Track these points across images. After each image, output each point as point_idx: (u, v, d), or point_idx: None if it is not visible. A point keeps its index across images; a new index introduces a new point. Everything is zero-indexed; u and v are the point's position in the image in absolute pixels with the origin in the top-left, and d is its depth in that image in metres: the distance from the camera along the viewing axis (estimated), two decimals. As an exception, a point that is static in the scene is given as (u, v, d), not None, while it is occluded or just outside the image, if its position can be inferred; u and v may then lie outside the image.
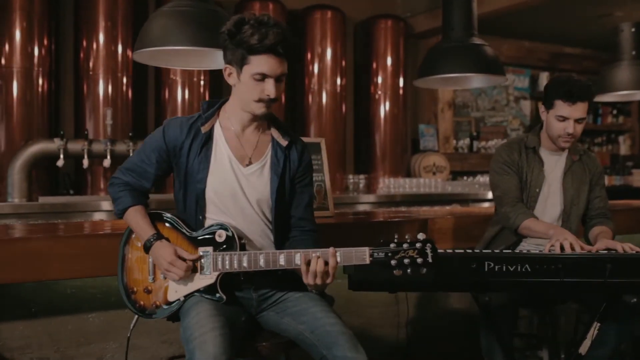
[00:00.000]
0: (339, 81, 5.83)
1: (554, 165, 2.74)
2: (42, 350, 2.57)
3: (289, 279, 2.13)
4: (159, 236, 2.04)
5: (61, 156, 4.38)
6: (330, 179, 5.62)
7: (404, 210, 4.39)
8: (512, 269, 2.18)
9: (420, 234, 1.85)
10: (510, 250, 2.46)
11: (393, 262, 1.83)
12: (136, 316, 2.14)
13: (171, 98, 5.17)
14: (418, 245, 1.83)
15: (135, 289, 2.11)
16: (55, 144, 4.41)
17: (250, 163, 2.08)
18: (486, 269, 2.19)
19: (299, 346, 2.04)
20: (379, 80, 6.12)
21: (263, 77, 1.96)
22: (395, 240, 1.85)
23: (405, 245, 1.84)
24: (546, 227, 2.53)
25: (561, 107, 2.58)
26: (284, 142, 2.12)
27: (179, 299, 2.04)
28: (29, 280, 2.34)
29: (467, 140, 6.92)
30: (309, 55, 5.78)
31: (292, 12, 5.82)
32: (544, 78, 7.36)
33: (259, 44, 1.91)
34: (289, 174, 2.12)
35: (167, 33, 2.78)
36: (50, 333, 2.58)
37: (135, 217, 2.09)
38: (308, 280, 1.91)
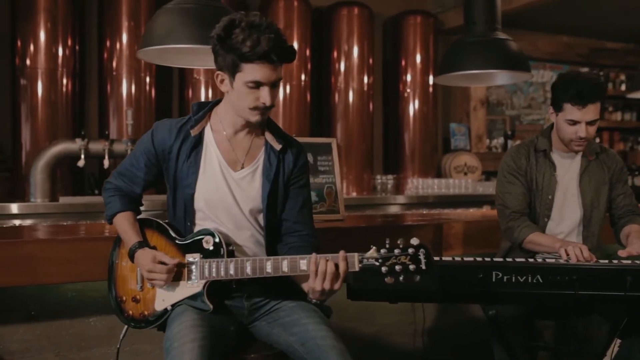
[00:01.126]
0: (366, 79, 5.69)
1: (567, 168, 2.56)
2: (42, 354, 2.54)
3: (284, 288, 2.03)
4: (141, 244, 1.96)
5: (82, 156, 4.37)
6: (343, 180, 5.57)
7: (423, 212, 4.23)
8: (522, 280, 2.03)
9: (414, 239, 1.73)
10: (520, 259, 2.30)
11: (384, 269, 1.72)
12: (126, 326, 2.08)
13: (194, 98, 5.13)
14: (410, 250, 1.71)
15: (124, 298, 2.05)
16: (77, 144, 4.41)
17: (242, 167, 1.99)
18: (494, 280, 2.04)
19: (290, 358, 1.93)
20: (408, 78, 5.96)
21: (257, 85, 1.85)
22: (387, 246, 1.73)
23: (396, 251, 1.72)
24: (552, 240, 2.37)
25: (571, 111, 2.41)
26: (277, 146, 2.01)
27: (166, 308, 1.96)
28: (27, 284, 2.30)
29: (501, 140, 6.69)
30: (335, 54, 5.67)
31: (318, 9, 5.71)
32: (583, 74, 7.05)
33: (251, 51, 1.79)
34: (283, 178, 2.02)
35: (171, 31, 2.71)
36: (50, 337, 2.55)
37: (123, 224, 2.03)
38: (316, 284, 1.78)
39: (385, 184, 5.78)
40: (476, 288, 2.05)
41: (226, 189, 1.97)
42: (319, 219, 2.93)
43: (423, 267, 1.70)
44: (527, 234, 2.46)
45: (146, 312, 2.00)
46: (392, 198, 5.53)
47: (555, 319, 2.47)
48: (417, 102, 5.97)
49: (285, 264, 1.82)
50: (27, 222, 3.92)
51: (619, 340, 2.13)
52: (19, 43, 4.63)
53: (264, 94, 1.85)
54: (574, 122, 2.41)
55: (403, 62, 5.98)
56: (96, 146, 4.49)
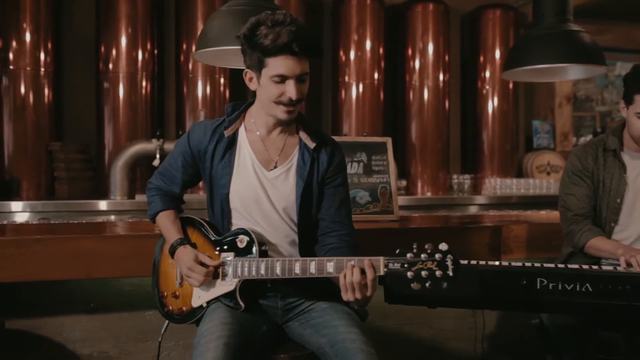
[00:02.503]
0: (441, 77, 5.56)
1: (639, 169, 2.36)
2: (101, 344, 2.66)
3: (319, 289, 2.01)
4: (182, 241, 2.01)
5: (157, 156, 4.55)
6: (418, 179, 5.45)
7: (490, 214, 4.06)
8: (569, 288, 1.90)
9: (442, 244, 1.66)
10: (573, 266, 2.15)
11: (410, 274, 1.66)
12: (167, 321, 2.14)
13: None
14: (437, 256, 1.64)
15: (165, 294, 2.10)
16: (153, 144, 4.60)
17: (275, 167, 1.99)
18: (538, 287, 1.92)
19: (320, 360, 1.91)
20: (487, 74, 5.77)
21: (283, 78, 1.85)
22: (414, 250, 1.67)
23: (423, 256, 1.66)
24: (614, 246, 2.19)
25: None
26: (311, 145, 2.00)
27: (201, 305, 2.00)
28: (81, 277, 2.42)
29: (590, 137, 6.32)
30: (409, 51, 5.58)
31: (391, 7, 5.65)
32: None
33: (272, 44, 1.81)
34: (317, 177, 2.00)
35: (224, 33, 2.76)
36: (109, 328, 2.67)
37: (164, 222, 2.08)
38: (348, 296, 1.77)
39: (462, 183, 5.63)
40: (519, 295, 1.94)
41: (259, 188, 1.97)
42: (371, 219, 2.90)
43: (450, 273, 1.63)
44: (589, 238, 2.31)
45: (184, 308, 2.04)
46: (467, 199, 5.37)
47: (617, 330, 2.28)
48: (496, 99, 5.76)
49: (313, 266, 1.80)
50: (106, 218, 4.15)
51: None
52: (102, 48, 4.90)
53: (290, 88, 1.85)
54: None
55: (482, 58, 5.80)
56: (171, 146, 4.65)
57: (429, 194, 5.53)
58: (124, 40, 4.87)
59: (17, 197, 4.60)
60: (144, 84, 4.95)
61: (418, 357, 3.05)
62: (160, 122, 5.18)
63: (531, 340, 3.11)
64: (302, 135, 2.02)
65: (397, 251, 1.70)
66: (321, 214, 2.02)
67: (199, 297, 2.01)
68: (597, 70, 3.31)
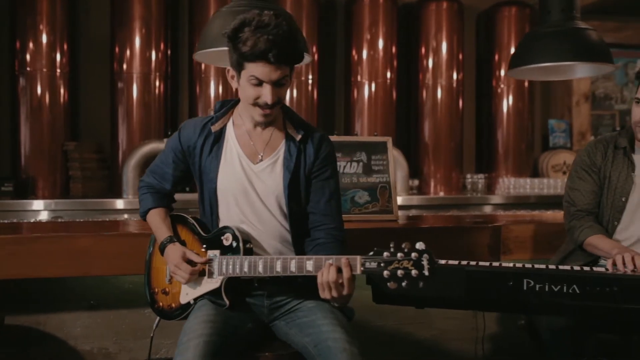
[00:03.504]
0: (455, 76, 5.52)
1: None
2: (102, 340, 2.71)
3: (305, 288, 2.01)
4: (171, 239, 2.03)
5: (168, 155, 4.59)
6: (430, 179, 5.42)
7: (491, 214, 4.02)
8: (556, 289, 1.87)
9: (419, 243, 1.65)
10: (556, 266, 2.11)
11: (386, 273, 1.65)
12: (158, 317, 2.17)
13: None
14: (414, 255, 1.63)
15: (156, 290, 2.14)
16: (164, 143, 4.64)
17: (261, 160, 2.00)
18: (525, 288, 1.90)
19: (305, 359, 1.92)
20: (502, 73, 5.71)
21: (259, 82, 1.87)
22: (391, 249, 1.67)
23: (399, 255, 1.65)
24: (611, 246, 2.15)
25: None
26: (297, 136, 2.01)
27: (189, 302, 2.02)
28: (78, 275, 2.46)
29: (600, 136, 6.20)
30: (422, 50, 5.55)
31: (405, 5, 5.62)
32: None
33: (249, 51, 1.83)
34: (305, 169, 2.01)
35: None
36: (109, 325, 2.71)
37: (154, 220, 2.12)
38: (324, 294, 1.78)
39: (476, 183, 5.58)
40: (505, 296, 1.92)
41: (246, 181, 1.99)
42: (370, 218, 2.89)
43: (426, 273, 1.62)
44: (588, 235, 2.27)
45: (173, 305, 2.07)
46: (481, 198, 5.33)
47: (613, 333, 2.25)
48: (511, 98, 5.70)
49: (293, 264, 1.81)
50: (118, 217, 4.21)
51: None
52: (116, 49, 4.97)
53: (265, 92, 1.87)
54: None
55: (497, 57, 5.74)
56: (183, 145, 4.70)
57: (441, 194, 5.50)
58: (137, 41, 4.94)
59: (32, 196, 4.70)
60: (157, 84, 5.01)
61: (417, 357, 3.04)
62: (173, 122, 5.24)
63: (532, 342, 3.07)
64: (289, 127, 2.03)
65: (374, 250, 1.69)
66: (310, 207, 2.02)
67: (187, 294, 2.03)
68: (604, 69, 3.25)
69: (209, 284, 1.98)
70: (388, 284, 1.65)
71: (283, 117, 2.05)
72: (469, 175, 5.63)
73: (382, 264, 1.66)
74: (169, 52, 5.12)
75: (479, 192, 5.51)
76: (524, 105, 5.71)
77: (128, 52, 4.95)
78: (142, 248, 2.36)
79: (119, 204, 4.52)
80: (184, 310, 2.03)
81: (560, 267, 2.08)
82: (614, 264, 1.99)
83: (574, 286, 1.86)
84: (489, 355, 3.06)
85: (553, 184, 5.26)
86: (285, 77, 1.88)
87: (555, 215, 3.47)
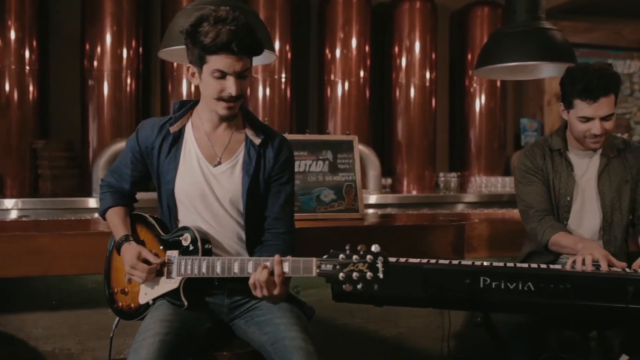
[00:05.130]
0: (428, 75, 5.55)
1: (586, 167, 2.35)
2: (63, 341, 2.68)
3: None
4: (127, 237, 2.02)
5: (138, 154, 4.56)
6: (404, 177, 5.44)
7: (457, 212, 4.05)
8: (511, 287, 1.89)
9: (375, 245, 1.65)
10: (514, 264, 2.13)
11: (341, 275, 1.65)
12: (117, 317, 2.15)
13: (252, 96, 5.21)
14: (369, 258, 1.64)
15: (115, 290, 2.12)
16: (132, 142, 4.60)
17: (219, 163, 2.00)
18: (481, 285, 1.92)
19: (263, 358, 1.92)
20: (475, 72, 5.74)
21: (222, 74, 1.88)
22: (347, 252, 1.67)
23: (355, 258, 1.65)
24: (574, 241, 2.18)
25: (582, 107, 2.22)
26: (257, 140, 2.01)
27: (148, 302, 2.01)
28: (39, 274, 2.43)
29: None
30: (396, 49, 5.57)
31: (379, 4, 5.64)
32: (676, 64, 6.48)
33: (212, 43, 1.84)
34: (264, 173, 2.01)
35: (189, 32, 2.76)
36: (71, 325, 2.68)
37: (113, 218, 2.10)
38: (256, 293, 1.79)
39: (449, 182, 5.62)
40: (463, 294, 1.94)
41: (204, 184, 1.98)
42: (336, 217, 2.90)
43: (380, 275, 1.62)
44: (551, 234, 2.29)
45: (132, 305, 2.06)
46: (453, 197, 5.36)
47: (566, 329, 2.28)
48: (483, 97, 5.75)
49: (250, 265, 1.81)
50: (88, 216, 4.17)
51: (627, 357, 1.93)
52: (87, 46, 4.91)
53: (229, 84, 1.87)
54: (587, 119, 2.23)
55: (469, 56, 5.77)
56: (154, 144, 4.67)
57: (414, 192, 5.52)
58: (109, 38, 4.89)
59: (0, 195, 4.63)
60: (128, 81, 4.97)
61: (384, 356, 3.05)
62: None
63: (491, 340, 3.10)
64: (248, 131, 2.03)
65: (330, 252, 1.69)
66: (266, 211, 2.03)
67: (146, 294, 2.02)
68: (568, 69, 3.29)
69: (167, 285, 1.97)
70: (343, 286, 1.66)
71: (243, 120, 2.05)
72: (441, 174, 5.67)
73: (337, 267, 1.66)
74: (140, 49, 5.07)
75: (452, 191, 5.54)
76: (497, 104, 5.76)
77: (99, 49, 4.89)
78: (104, 247, 2.34)
79: (89, 202, 4.46)
80: (143, 311, 2.02)
81: (519, 265, 2.09)
82: (574, 263, 2.01)
83: (529, 283, 1.88)
84: (454, 353, 3.09)
85: (524, 183, 5.30)
86: (248, 69, 1.90)
87: (513, 214, 3.50)
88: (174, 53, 2.94)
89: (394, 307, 2.93)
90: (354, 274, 1.64)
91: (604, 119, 2.22)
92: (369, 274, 1.63)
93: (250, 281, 1.78)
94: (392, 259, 2.02)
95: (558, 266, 2.09)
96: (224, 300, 2.02)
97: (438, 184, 5.66)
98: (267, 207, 2.02)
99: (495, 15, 5.69)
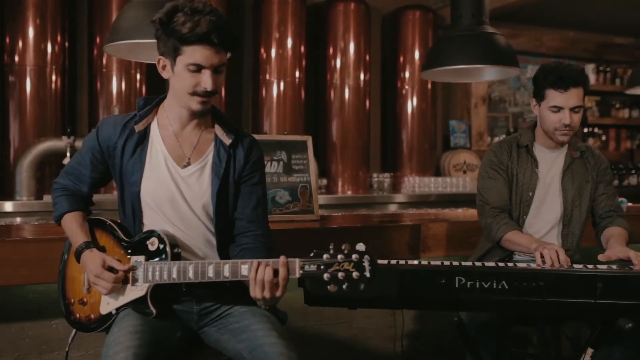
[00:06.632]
0: (362, 76, 5.59)
1: (550, 164, 2.46)
2: (2, 356, 2.47)
3: (236, 292, 1.93)
4: (88, 244, 1.88)
5: (67, 154, 4.32)
6: (339, 178, 5.46)
7: (410, 212, 4.12)
8: (486, 286, 1.92)
9: (360, 244, 1.62)
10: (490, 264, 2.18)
11: (326, 276, 1.61)
12: (74, 330, 2.01)
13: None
14: (354, 257, 1.60)
15: (72, 301, 1.98)
16: (64, 141, 4.36)
17: (188, 164, 1.90)
18: (457, 285, 1.93)
19: (239, 367, 1.84)
20: (407, 74, 5.84)
21: (198, 68, 1.78)
22: (331, 251, 1.62)
23: (340, 257, 1.61)
24: (529, 240, 2.26)
25: (553, 97, 2.33)
26: (227, 141, 1.93)
27: (110, 312, 1.88)
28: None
29: (503, 137, 6.53)
30: (330, 50, 5.57)
31: (313, 5, 5.62)
32: (589, 70, 6.88)
33: (190, 32, 1.74)
34: (234, 174, 1.93)
35: (138, 25, 2.63)
36: (10, 339, 2.48)
37: (70, 225, 1.95)
38: (256, 293, 1.70)
39: (382, 182, 5.68)
40: (438, 294, 1.95)
41: (173, 186, 1.88)
42: (291, 219, 2.85)
43: (367, 274, 1.59)
44: (505, 231, 2.36)
45: (92, 316, 1.92)
46: (387, 197, 5.42)
47: (535, 324, 2.34)
48: (415, 99, 5.85)
49: (227, 269, 1.73)
50: (11, 220, 3.88)
51: (592, 351, 2.00)
52: (7, 40, 4.60)
53: (205, 78, 1.78)
54: (558, 109, 2.34)
55: (401, 59, 5.87)
56: (83, 144, 4.42)
57: (349, 193, 5.55)
58: (31, 32, 4.58)
59: None
60: (53, 78, 4.68)
61: (338, 357, 3.03)
62: (72, 118, 4.93)
63: (449, 338, 3.16)
64: (218, 131, 1.94)
65: (313, 252, 1.64)
66: (237, 213, 1.95)
67: (108, 304, 1.89)
68: (511, 72, 3.40)
69: (133, 292, 1.85)
70: (328, 287, 1.61)
71: (212, 119, 1.96)
72: (375, 175, 5.72)
73: (322, 267, 1.62)
74: (66, 44, 4.80)
75: (385, 191, 5.61)
76: (427, 106, 5.88)
77: (20, 44, 4.58)
78: (45, 254, 2.21)
79: (11, 206, 4.18)
80: (105, 322, 1.89)
81: (487, 264, 2.13)
82: (542, 258, 2.07)
83: (503, 282, 1.91)
84: (407, 352, 3.11)
85: (456, 183, 5.46)
86: (224, 64, 1.82)
87: (466, 213, 3.59)
88: (121, 48, 2.79)
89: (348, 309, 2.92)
90: (340, 274, 1.60)
91: (573, 110, 2.33)
92: (355, 274, 1.59)
93: (252, 275, 1.68)
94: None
95: (524, 264, 2.14)
96: (193, 308, 1.93)
97: (372, 185, 5.71)
98: (239, 209, 1.94)
99: (427, 18, 5.81)
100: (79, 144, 4.39)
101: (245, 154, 1.95)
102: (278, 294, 1.69)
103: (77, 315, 1.95)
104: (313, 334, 2.97)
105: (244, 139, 1.97)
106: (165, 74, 1.86)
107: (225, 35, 1.77)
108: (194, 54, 1.77)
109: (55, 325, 2.55)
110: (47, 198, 4.26)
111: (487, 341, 2.17)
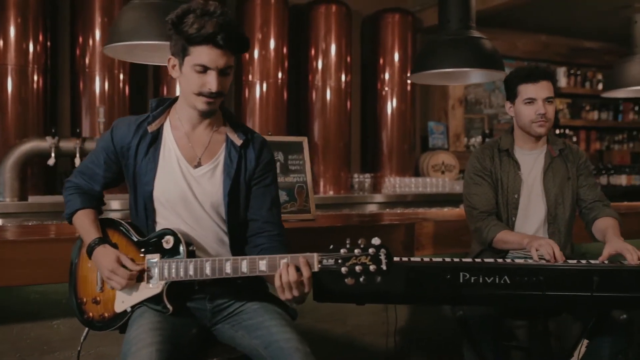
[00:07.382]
0: (343, 78, 5.66)
1: (531, 165, 2.56)
2: (3, 357, 2.47)
3: (248, 289, 1.99)
4: (101, 240, 1.91)
5: (52, 155, 4.29)
6: (320, 178, 5.53)
7: (397, 212, 4.21)
8: (489, 281, 2.01)
9: (375, 238, 1.68)
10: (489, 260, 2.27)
11: (344, 269, 1.67)
12: (87, 328, 2.02)
13: (170, 95, 5.06)
14: (371, 251, 1.66)
15: (84, 300, 1.99)
16: (47, 142, 4.32)
17: (199, 164, 1.94)
18: (461, 280, 2.01)
19: (253, 362, 1.89)
20: (386, 76, 5.94)
21: (204, 69, 1.83)
22: (347, 246, 1.69)
23: (357, 251, 1.67)
24: (520, 237, 2.36)
25: (526, 90, 2.48)
26: (238, 142, 1.97)
27: (125, 310, 1.91)
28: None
29: (479, 138, 6.70)
30: (312, 51, 5.63)
31: (295, 6, 5.67)
32: (561, 73, 7.09)
33: (196, 33, 1.78)
34: (245, 175, 1.98)
35: (138, 27, 2.66)
36: (11, 340, 2.48)
37: (82, 221, 1.97)
38: (286, 295, 1.74)
39: (363, 182, 5.76)
40: (443, 289, 2.02)
41: (185, 186, 1.92)
42: (289, 218, 2.90)
43: (384, 267, 1.66)
44: (496, 232, 2.45)
45: (106, 314, 1.95)
46: (369, 197, 5.51)
47: (527, 318, 2.44)
48: (395, 100, 5.95)
49: (244, 265, 1.78)
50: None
51: (587, 341, 2.11)
52: (-13, 39, 4.53)
53: (211, 79, 1.82)
54: (531, 100, 2.47)
55: (381, 61, 5.96)
56: (67, 144, 4.41)
57: (331, 193, 5.61)
58: (12, 31, 4.53)
59: None
60: (35, 78, 4.64)
61: (333, 354, 3.09)
62: (54, 118, 4.88)
63: (442, 333, 3.25)
64: (229, 132, 1.99)
65: (330, 247, 1.70)
66: (252, 214, 2.00)
67: (123, 302, 1.92)
68: (497, 75, 3.51)
69: (148, 290, 1.88)
70: (345, 280, 1.67)
71: (223, 120, 2.01)
72: (356, 175, 5.80)
73: (339, 261, 1.67)
74: (48, 43, 4.76)
75: (366, 191, 5.70)
76: (407, 107, 5.98)
77: (1, 43, 4.52)
78: (47, 255, 2.21)
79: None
80: (119, 320, 1.92)
81: (488, 260, 2.22)
82: (539, 253, 2.17)
83: (505, 277, 2.00)
84: (400, 347, 3.19)
85: (435, 183, 5.58)
86: (230, 66, 1.86)
87: (453, 212, 3.68)
88: (119, 50, 2.80)
89: (342, 306, 2.99)
90: (357, 267, 1.66)
91: (546, 100, 2.46)
92: (372, 267, 1.65)
93: (277, 283, 1.72)
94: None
95: (521, 260, 2.24)
96: (206, 305, 1.96)
97: (353, 185, 5.79)
98: (254, 210, 1.99)
99: (406, 21, 5.92)
100: (63, 144, 4.37)
101: (257, 155, 1.99)
102: (306, 290, 1.74)
103: (91, 314, 1.97)
104: (308, 331, 3.02)
105: (254, 139, 2.01)
106: (174, 74, 1.91)
107: (232, 37, 1.81)
108: (200, 54, 1.81)
109: (57, 325, 2.55)
110: (32, 199, 4.22)
111: (484, 335, 2.26)
